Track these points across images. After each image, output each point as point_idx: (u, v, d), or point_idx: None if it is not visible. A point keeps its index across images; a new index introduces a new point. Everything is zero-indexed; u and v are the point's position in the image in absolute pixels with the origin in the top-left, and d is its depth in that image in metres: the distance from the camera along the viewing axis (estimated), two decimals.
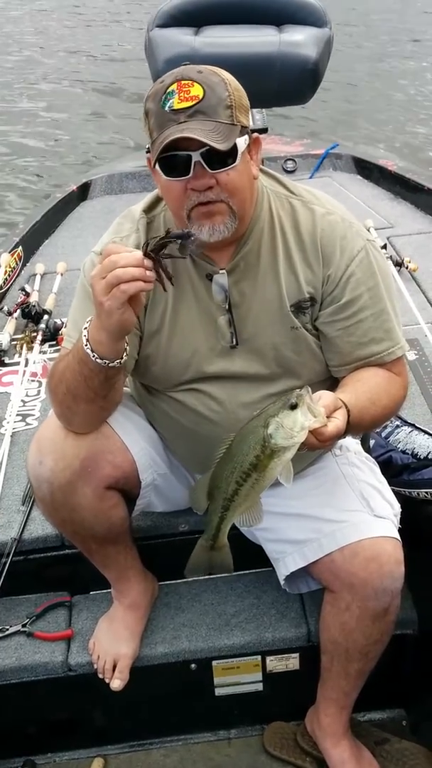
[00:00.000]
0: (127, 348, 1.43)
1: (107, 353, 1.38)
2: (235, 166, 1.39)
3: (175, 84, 1.36)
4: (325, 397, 1.37)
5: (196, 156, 1.35)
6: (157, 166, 1.40)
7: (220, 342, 1.57)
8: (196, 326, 1.57)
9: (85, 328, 1.40)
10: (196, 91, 1.35)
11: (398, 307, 1.61)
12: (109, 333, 1.35)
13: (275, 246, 1.54)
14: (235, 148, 1.37)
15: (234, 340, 1.57)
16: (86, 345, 1.39)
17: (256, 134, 1.48)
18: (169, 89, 1.36)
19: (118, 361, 1.40)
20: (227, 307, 1.55)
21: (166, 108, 1.35)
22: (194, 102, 1.35)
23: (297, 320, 1.55)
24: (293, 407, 1.28)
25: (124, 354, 1.42)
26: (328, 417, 1.33)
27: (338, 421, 1.35)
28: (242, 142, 1.40)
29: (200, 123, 1.34)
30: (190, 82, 1.35)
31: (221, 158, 1.37)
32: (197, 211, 1.41)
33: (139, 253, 1.27)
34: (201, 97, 1.35)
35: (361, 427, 1.52)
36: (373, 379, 1.56)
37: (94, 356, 1.39)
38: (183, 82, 1.35)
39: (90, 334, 1.39)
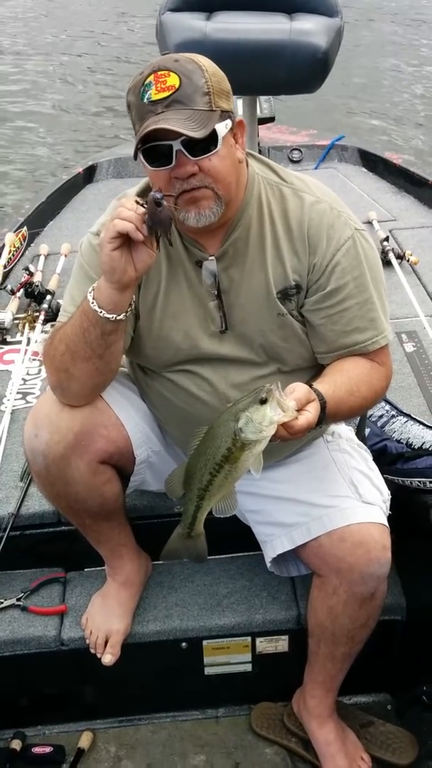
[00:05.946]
0: (128, 311, 1.46)
1: (105, 301, 1.42)
2: (216, 151, 1.40)
3: (152, 75, 1.37)
4: (298, 390, 1.39)
5: (176, 145, 1.37)
6: (141, 158, 1.42)
7: (211, 326, 1.59)
8: (187, 310, 1.59)
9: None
10: (173, 80, 1.36)
11: (386, 298, 1.62)
12: (105, 275, 1.40)
13: (263, 233, 1.55)
14: (214, 133, 1.38)
15: (224, 324, 1.59)
16: (90, 292, 1.44)
17: (239, 117, 1.47)
18: (147, 81, 1.37)
19: (114, 315, 1.43)
20: (216, 292, 1.56)
21: (145, 100, 1.37)
22: (171, 92, 1.36)
23: (283, 307, 1.57)
24: (263, 402, 1.31)
25: (123, 314, 1.44)
26: (299, 410, 1.36)
27: (309, 414, 1.38)
28: (223, 127, 1.40)
29: (176, 112, 1.36)
30: (166, 72, 1.36)
31: (202, 145, 1.38)
32: (182, 198, 1.42)
33: (142, 209, 1.33)
34: (177, 86, 1.36)
35: (338, 417, 1.55)
36: (354, 370, 1.58)
37: (92, 303, 1.43)
38: (159, 72, 1.37)
39: (96, 284, 1.44)
